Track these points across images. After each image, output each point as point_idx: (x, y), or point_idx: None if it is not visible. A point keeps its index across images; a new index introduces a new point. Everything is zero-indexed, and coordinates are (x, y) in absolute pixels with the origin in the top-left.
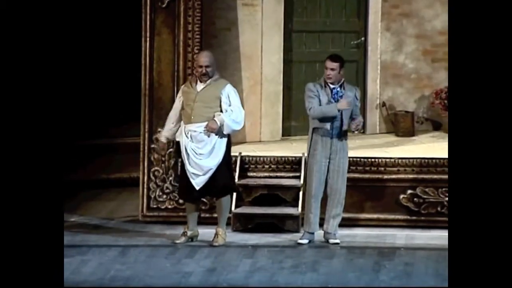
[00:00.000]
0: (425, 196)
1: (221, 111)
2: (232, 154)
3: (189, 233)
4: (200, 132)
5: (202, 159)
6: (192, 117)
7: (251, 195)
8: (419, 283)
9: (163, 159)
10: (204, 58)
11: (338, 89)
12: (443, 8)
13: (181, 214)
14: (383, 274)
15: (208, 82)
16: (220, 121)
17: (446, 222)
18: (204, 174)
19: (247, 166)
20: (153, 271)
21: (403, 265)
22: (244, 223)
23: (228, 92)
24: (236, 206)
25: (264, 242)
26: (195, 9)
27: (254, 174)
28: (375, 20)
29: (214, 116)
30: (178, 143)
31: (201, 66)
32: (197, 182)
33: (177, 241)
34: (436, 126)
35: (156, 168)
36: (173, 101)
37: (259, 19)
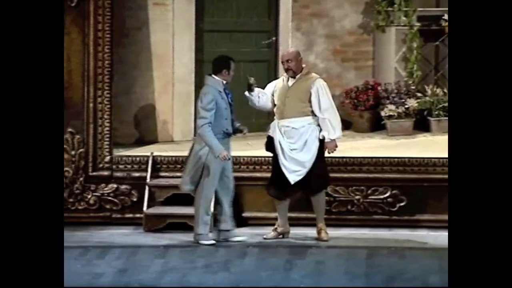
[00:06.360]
0: (335, 195)
1: (311, 105)
2: (144, 154)
3: (279, 229)
4: (293, 128)
5: (295, 153)
6: (285, 113)
7: (163, 195)
8: (331, 281)
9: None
10: (285, 53)
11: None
12: (352, 8)
13: (91, 215)
14: (295, 273)
15: (298, 76)
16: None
17: (355, 221)
18: (301, 169)
19: (159, 166)
20: (64, 272)
21: (314, 263)
22: (155, 223)
23: (318, 87)
24: (148, 206)
25: (176, 242)
26: (105, 8)
27: (166, 174)
28: (285, 20)
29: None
30: (270, 138)
31: (283, 62)
32: (293, 177)
33: (266, 237)
34: (346, 126)
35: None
36: (83, 101)
37: (170, 18)
